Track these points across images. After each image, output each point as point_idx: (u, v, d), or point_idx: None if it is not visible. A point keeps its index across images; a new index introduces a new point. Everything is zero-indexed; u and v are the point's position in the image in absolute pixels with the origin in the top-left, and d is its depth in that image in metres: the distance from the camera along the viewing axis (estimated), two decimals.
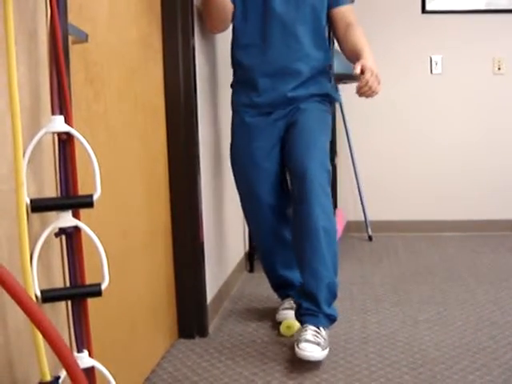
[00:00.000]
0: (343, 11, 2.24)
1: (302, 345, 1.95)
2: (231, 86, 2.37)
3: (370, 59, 2.03)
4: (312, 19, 2.21)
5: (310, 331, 2.01)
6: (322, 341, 1.98)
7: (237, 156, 2.32)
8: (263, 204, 2.29)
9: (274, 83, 2.21)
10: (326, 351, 1.99)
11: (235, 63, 2.31)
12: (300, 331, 2.07)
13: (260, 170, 2.25)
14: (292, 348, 2.11)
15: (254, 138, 2.25)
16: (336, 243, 2.13)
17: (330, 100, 2.34)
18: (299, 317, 2.13)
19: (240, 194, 2.37)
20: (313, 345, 1.95)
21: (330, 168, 2.14)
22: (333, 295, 2.11)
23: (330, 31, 2.40)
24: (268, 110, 2.24)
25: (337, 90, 2.38)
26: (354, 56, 2.12)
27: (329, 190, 2.10)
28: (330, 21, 2.28)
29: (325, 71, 2.31)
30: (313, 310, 2.07)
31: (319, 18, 2.23)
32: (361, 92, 2.00)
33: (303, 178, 2.05)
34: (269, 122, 2.24)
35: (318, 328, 2.03)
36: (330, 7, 2.24)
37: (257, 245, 2.46)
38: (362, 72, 1.98)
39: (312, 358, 1.95)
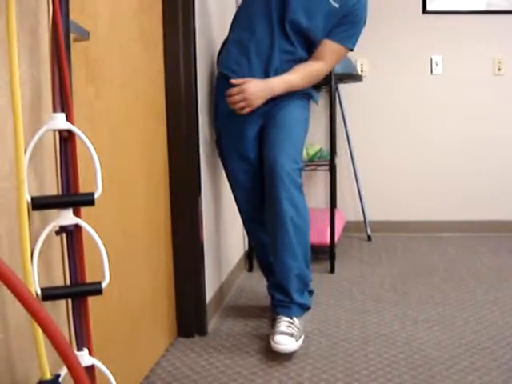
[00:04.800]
0: (326, 44, 2.20)
1: (277, 338, 2.01)
2: (217, 78, 2.38)
3: (260, 84, 2.11)
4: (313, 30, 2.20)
5: (284, 323, 2.09)
6: (295, 331, 2.05)
7: (223, 148, 2.36)
8: (251, 195, 2.34)
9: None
10: (300, 341, 2.06)
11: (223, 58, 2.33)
12: (274, 323, 2.13)
13: (245, 162, 2.29)
14: None
15: (238, 129, 2.28)
16: (307, 234, 2.17)
17: (308, 97, 2.36)
18: (273, 308, 2.22)
19: (230, 183, 2.41)
20: (287, 336, 2.01)
21: (301, 163, 2.18)
22: (304, 284, 2.18)
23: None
24: None
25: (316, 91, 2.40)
26: None
27: (299, 181, 2.13)
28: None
29: None
30: (285, 301, 2.16)
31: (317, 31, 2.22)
32: (227, 99, 2.11)
33: (273, 170, 2.10)
34: (252, 116, 2.24)
35: (291, 318, 2.11)
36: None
37: (249, 238, 2.49)
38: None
39: (286, 351, 2.01)
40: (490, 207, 4.16)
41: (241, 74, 2.20)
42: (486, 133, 4.13)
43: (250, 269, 3.23)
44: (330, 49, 2.21)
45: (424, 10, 4.08)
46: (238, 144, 2.30)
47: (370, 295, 2.75)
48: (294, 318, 2.12)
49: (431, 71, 4.14)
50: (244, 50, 2.21)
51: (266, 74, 2.19)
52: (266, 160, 2.15)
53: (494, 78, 4.09)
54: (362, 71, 4.14)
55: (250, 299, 2.74)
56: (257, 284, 2.93)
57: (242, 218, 2.44)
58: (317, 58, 2.23)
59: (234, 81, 2.11)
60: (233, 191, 2.41)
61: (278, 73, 2.20)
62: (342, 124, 4.11)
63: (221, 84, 2.30)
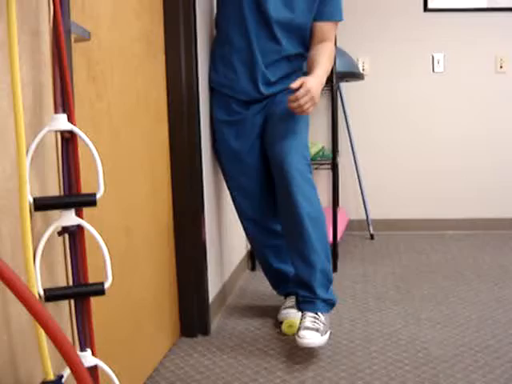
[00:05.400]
0: (322, 26, 2.25)
1: (302, 332, 1.98)
2: (210, 89, 2.39)
3: (315, 79, 2.07)
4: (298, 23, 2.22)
5: (309, 318, 2.05)
6: (321, 326, 2.01)
7: (221, 152, 2.38)
8: (250, 196, 2.34)
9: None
10: (327, 336, 2.02)
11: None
12: (300, 320, 2.09)
13: (243, 165, 2.31)
14: (295, 346, 2.11)
15: (236, 133, 2.30)
16: (324, 229, 2.14)
17: None
18: (298, 305, 2.17)
19: (228, 185, 2.42)
20: (312, 331, 1.97)
21: (309, 157, 2.17)
22: (328, 280, 2.14)
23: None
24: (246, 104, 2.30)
25: None
26: (309, 72, 2.16)
27: (310, 176, 2.13)
28: (310, 31, 2.27)
29: (300, 68, 2.37)
30: (309, 297, 2.11)
31: (305, 24, 2.24)
32: (289, 105, 2.05)
33: (282, 167, 2.08)
34: (248, 117, 2.28)
35: (316, 314, 2.07)
36: (314, 19, 2.25)
37: (249, 239, 2.48)
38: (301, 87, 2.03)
39: (312, 345, 1.97)
40: (492, 205, 4.16)
41: (230, 86, 2.26)
42: (488, 130, 4.12)
43: (253, 268, 3.23)
44: (325, 29, 2.25)
45: (425, 8, 4.07)
46: (235, 146, 2.31)
47: (372, 294, 2.75)
48: (319, 314, 2.07)
49: (433, 69, 4.13)
50: (228, 64, 2.26)
51: (254, 81, 2.22)
52: (274, 159, 2.13)
53: (495, 76, 4.09)
54: (363, 70, 4.13)
55: (253, 299, 2.74)
56: (259, 283, 2.93)
57: (241, 220, 2.44)
58: (320, 40, 2.25)
59: (293, 85, 2.02)
60: (231, 193, 2.41)
61: (265, 77, 2.22)
62: (344, 123, 4.11)
63: (214, 95, 2.36)
